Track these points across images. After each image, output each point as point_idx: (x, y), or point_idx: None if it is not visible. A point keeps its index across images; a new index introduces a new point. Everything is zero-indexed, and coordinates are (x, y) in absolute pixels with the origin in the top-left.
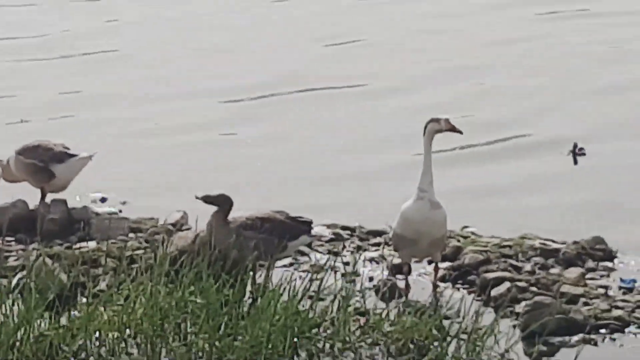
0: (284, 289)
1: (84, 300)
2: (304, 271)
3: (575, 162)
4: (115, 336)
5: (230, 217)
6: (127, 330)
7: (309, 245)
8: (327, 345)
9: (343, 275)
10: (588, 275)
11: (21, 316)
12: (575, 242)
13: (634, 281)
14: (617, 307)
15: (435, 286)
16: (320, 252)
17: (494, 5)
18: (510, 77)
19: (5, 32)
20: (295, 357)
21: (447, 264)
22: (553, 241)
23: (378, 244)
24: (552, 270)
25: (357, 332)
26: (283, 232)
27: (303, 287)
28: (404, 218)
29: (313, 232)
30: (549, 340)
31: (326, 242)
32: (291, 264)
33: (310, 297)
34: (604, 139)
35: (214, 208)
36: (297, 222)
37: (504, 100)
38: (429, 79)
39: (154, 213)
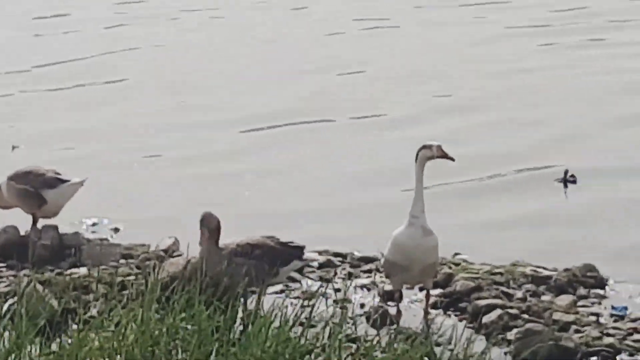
0: (275, 315)
1: (75, 326)
2: (295, 298)
3: (566, 187)
4: None
5: (221, 243)
6: (118, 357)
7: (300, 272)
8: None
9: (334, 301)
10: (579, 303)
11: (12, 342)
12: (566, 270)
13: (626, 308)
14: (608, 335)
15: (426, 313)
16: (312, 279)
17: (500, 35)
18: (507, 110)
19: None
20: None
21: (438, 291)
22: (544, 268)
23: (370, 271)
24: (544, 298)
25: (349, 359)
26: (274, 258)
27: (294, 314)
28: (395, 244)
29: (304, 257)
30: None
31: (318, 268)
32: (282, 291)
33: (302, 324)
34: (600, 170)
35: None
36: (288, 248)
37: (503, 133)
38: (432, 111)
39: (146, 239)
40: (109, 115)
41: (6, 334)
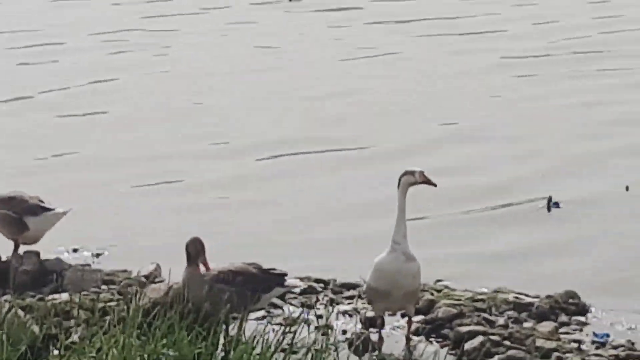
0: (257, 341)
1: (56, 352)
2: (277, 324)
3: (550, 214)
4: None
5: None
6: None
7: (282, 298)
8: None
9: (316, 328)
10: (561, 329)
11: None
12: (548, 296)
13: (607, 335)
14: None
15: (408, 339)
16: (294, 305)
17: (494, 65)
18: (497, 141)
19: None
20: None
21: (420, 317)
22: (526, 295)
23: (352, 297)
24: (526, 324)
25: None
26: (256, 285)
27: (276, 340)
28: (377, 270)
29: (286, 283)
30: None
31: (299, 294)
32: (264, 317)
33: (283, 350)
34: (584, 199)
35: (184, 260)
36: (270, 275)
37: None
38: (422, 142)
39: (127, 265)
40: (97, 144)
41: None
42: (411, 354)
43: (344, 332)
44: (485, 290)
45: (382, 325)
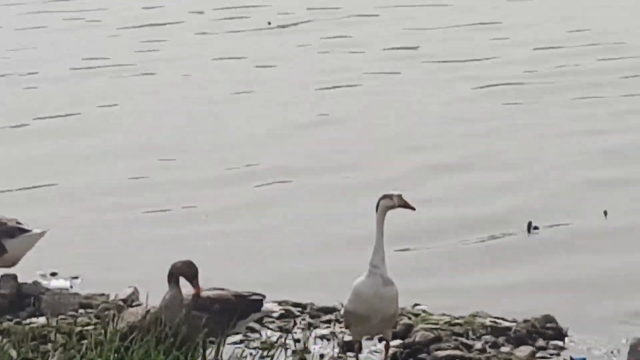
0: None
1: None
2: (254, 348)
3: (529, 238)
4: None
5: (184, 292)
6: None
7: (260, 322)
8: None
9: (294, 352)
10: (538, 354)
11: None
12: (525, 321)
13: None
14: None
15: None
16: (271, 329)
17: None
18: (480, 171)
19: None
20: None
21: (398, 342)
22: (503, 319)
23: (329, 321)
24: (503, 349)
25: None
26: (233, 312)
27: None
28: (356, 294)
29: (263, 308)
30: None
31: (277, 318)
32: (242, 341)
33: None
34: (557, 217)
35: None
36: (247, 301)
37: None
38: (407, 173)
39: (105, 289)
40: (82, 172)
41: None
42: None
43: (322, 356)
44: (463, 314)
45: (360, 350)
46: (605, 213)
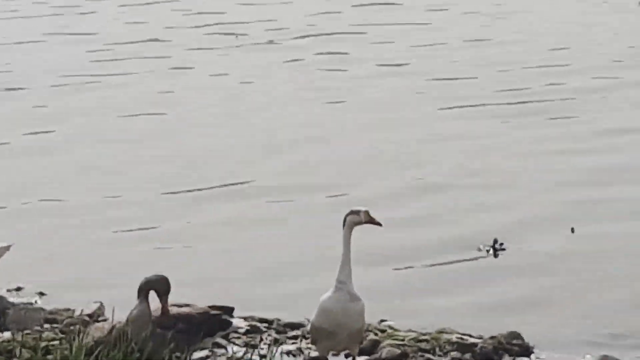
0: None
1: None
2: None
3: (496, 257)
4: None
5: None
6: None
7: (226, 337)
8: None
9: None
10: None
11: None
12: (492, 337)
13: None
14: None
15: None
16: (238, 344)
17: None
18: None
19: None
20: None
21: (364, 358)
22: (470, 336)
23: (296, 337)
24: None
25: None
26: (199, 329)
27: None
28: (322, 309)
29: (231, 326)
30: None
31: (243, 334)
32: (208, 356)
33: None
34: (524, 235)
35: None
36: (213, 319)
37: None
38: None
39: (70, 304)
40: (54, 188)
41: None
42: None
43: None
44: (429, 330)
45: None
46: (573, 230)
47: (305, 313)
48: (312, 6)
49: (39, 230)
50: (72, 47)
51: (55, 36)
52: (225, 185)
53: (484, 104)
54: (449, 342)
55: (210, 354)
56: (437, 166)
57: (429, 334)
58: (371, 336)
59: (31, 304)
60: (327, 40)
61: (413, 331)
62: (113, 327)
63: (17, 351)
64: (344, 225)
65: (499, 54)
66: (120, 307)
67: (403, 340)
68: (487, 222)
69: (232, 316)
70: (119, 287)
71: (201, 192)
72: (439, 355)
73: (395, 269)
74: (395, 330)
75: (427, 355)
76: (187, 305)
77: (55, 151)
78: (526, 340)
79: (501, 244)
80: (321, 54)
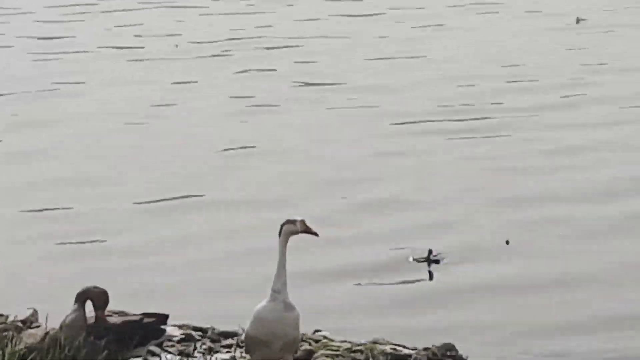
0: None
1: None
2: None
3: (429, 265)
4: None
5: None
6: None
7: (160, 346)
8: None
9: None
10: None
11: None
12: (425, 348)
13: None
14: None
15: None
16: (172, 353)
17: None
18: (383, 191)
19: None
20: None
21: None
22: (404, 347)
23: (230, 346)
24: None
25: None
26: (131, 337)
27: None
28: (257, 319)
29: (165, 334)
30: None
31: (177, 342)
32: None
33: None
34: (461, 252)
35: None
36: (146, 327)
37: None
38: (309, 189)
39: (3, 310)
40: None
41: None
42: None
43: None
44: (363, 341)
45: None
46: (507, 242)
47: (240, 322)
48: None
49: None
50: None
51: None
52: (167, 200)
53: (423, 121)
54: (383, 352)
55: None
56: (374, 184)
57: (363, 344)
58: (305, 346)
59: None
60: (259, 52)
61: (347, 341)
62: (46, 333)
63: None
64: (279, 234)
65: (441, 70)
66: (54, 314)
67: (337, 350)
68: (425, 240)
69: (166, 324)
70: (54, 293)
71: (140, 205)
72: None
73: (333, 284)
74: (330, 340)
75: None
76: (121, 312)
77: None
78: (460, 352)
79: (435, 255)
80: (254, 67)
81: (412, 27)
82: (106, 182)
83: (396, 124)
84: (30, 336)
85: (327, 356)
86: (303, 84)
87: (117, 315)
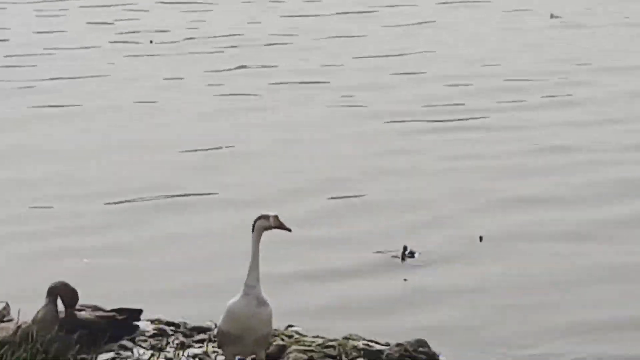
0: None
1: None
2: None
3: (403, 260)
4: None
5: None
6: None
7: (133, 340)
8: None
9: None
10: None
11: None
12: (398, 344)
13: None
14: None
15: None
16: (144, 347)
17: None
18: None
19: None
20: None
21: None
22: (377, 342)
23: (202, 341)
24: None
25: None
26: (103, 334)
27: None
28: (230, 314)
29: (139, 329)
30: None
31: (150, 337)
32: (114, 359)
33: None
34: (438, 250)
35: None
36: (119, 324)
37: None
38: (287, 190)
39: None
40: None
41: None
42: None
43: None
44: (336, 336)
45: None
46: (481, 238)
47: (213, 317)
48: (235, 15)
49: None
50: None
51: None
52: (145, 200)
53: (411, 120)
54: (356, 348)
55: (115, 356)
56: (354, 184)
57: (336, 340)
58: (278, 341)
59: None
60: (243, 50)
61: (320, 337)
62: (18, 327)
63: None
64: (252, 230)
65: (426, 69)
66: (27, 308)
67: (310, 345)
68: (408, 240)
69: (139, 319)
70: (26, 287)
71: (116, 205)
72: None
73: (308, 284)
74: (302, 335)
75: None
76: (94, 306)
77: None
78: (432, 348)
79: (410, 252)
80: (237, 65)
81: (400, 25)
82: (80, 182)
83: (386, 122)
84: (2, 330)
85: (299, 352)
86: (290, 82)
87: (90, 309)
